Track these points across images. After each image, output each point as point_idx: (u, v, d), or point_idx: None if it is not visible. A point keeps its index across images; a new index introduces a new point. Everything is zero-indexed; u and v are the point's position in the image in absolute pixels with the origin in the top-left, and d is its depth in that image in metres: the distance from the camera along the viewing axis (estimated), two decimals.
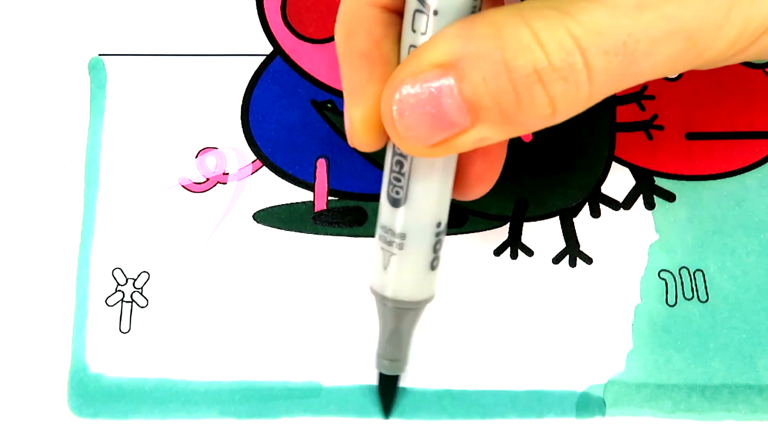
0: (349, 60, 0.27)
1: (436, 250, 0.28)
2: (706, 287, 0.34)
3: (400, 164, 0.27)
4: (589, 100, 0.24)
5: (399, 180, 0.27)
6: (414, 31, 0.25)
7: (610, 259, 0.34)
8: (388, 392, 0.32)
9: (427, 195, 0.27)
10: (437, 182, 0.27)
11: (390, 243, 0.28)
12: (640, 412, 0.32)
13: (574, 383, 0.33)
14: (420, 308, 0.30)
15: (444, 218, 0.28)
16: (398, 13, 0.26)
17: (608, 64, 0.23)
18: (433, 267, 0.29)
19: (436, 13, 0.24)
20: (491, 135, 0.24)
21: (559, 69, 0.23)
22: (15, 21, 0.36)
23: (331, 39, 0.36)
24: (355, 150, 0.35)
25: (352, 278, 0.34)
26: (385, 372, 0.32)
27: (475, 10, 0.25)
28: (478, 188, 0.29)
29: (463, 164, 0.28)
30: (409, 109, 0.24)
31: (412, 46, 0.25)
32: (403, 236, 0.28)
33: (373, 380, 0.33)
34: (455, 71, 0.23)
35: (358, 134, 0.27)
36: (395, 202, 0.27)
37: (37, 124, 0.35)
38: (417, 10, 0.25)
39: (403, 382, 0.33)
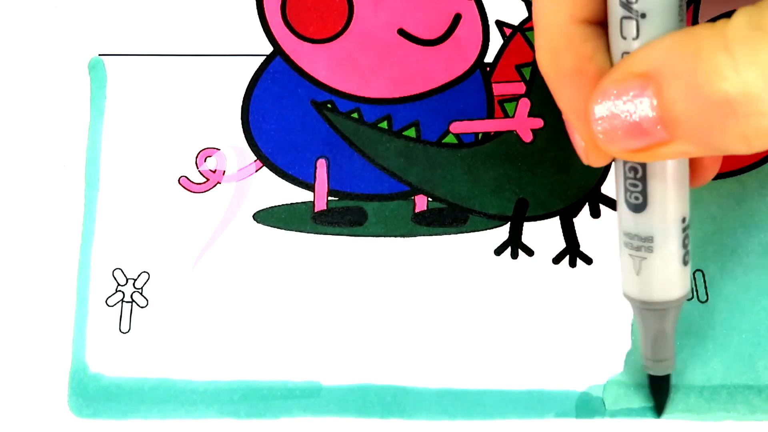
0: (562, 80, 0.27)
1: (685, 245, 0.28)
2: (705, 287, 0.34)
3: (635, 170, 0.27)
4: None
5: (636, 185, 0.27)
6: (624, 37, 0.25)
7: (610, 260, 0.34)
8: (661, 392, 0.32)
9: (667, 195, 0.27)
10: (674, 181, 0.27)
11: (638, 248, 0.28)
12: (639, 413, 0.32)
13: (573, 383, 0.33)
14: (680, 305, 0.30)
15: (687, 213, 0.28)
16: (602, 24, 0.26)
17: None
18: (685, 262, 0.29)
19: (644, 16, 0.24)
20: (692, 151, 0.24)
21: (756, 101, 0.21)
22: (15, 21, 0.36)
23: (331, 39, 0.36)
24: (354, 150, 0.35)
25: (352, 278, 0.34)
26: (656, 374, 0.31)
27: (682, 9, 0.25)
28: (709, 174, 0.29)
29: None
30: (607, 115, 0.24)
31: (624, 53, 0.25)
32: (650, 239, 0.28)
33: (374, 379, 0.33)
34: (654, 84, 0.23)
35: (596, 154, 0.27)
36: (635, 208, 0.28)
37: (37, 124, 0.35)
38: (624, 17, 0.25)
39: (404, 382, 0.33)
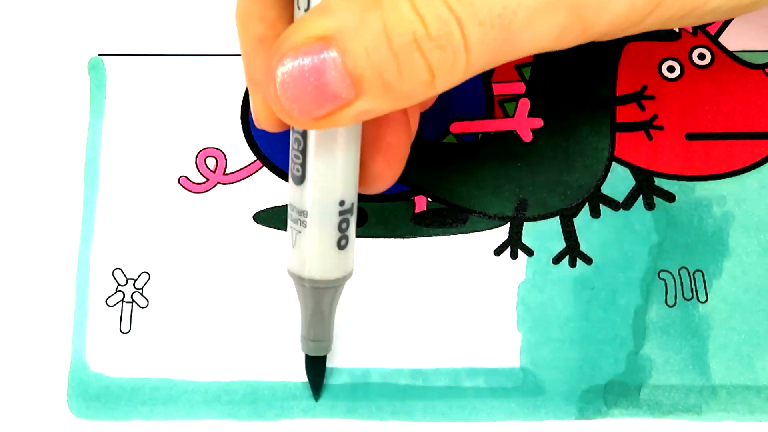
0: (246, 46, 0.28)
1: (342, 229, 0.28)
2: (705, 288, 0.34)
3: (298, 142, 0.27)
4: (467, 69, 0.24)
5: (298, 157, 0.27)
6: (299, 8, 0.25)
7: (609, 260, 0.34)
8: (316, 373, 0.32)
9: (325, 173, 0.27)
10: (335, 160, 0.27)
11: (296, 221, 0.28)
12: (639, 413, 0.32)
13: (573, 384, 0.33)
14: (333, 287, 0.29)
15: (349, 197, 0.28)
16: None
17: (484, 36, 0.23)
18: (340, 246, 0.28)
19: None
20: (375, 106, 0.24)
21: (436, 38, 0.23)
22: (15, 21, 0.36)
23: None
24: None
25: (352, 278, 0.34)
26: (310, 353, 0.32)
27: None
28: (380, 183, 0.30)
29: (365, 160, 0.29)
30: (292, 83, 0.24)
31: None
32: (305, 213, 0.28)
33: (374, 380, 0.33)
34: (337, 43, 0.23)
35: (264, 118, 0.28)
36: (297, 180, 0.28)
37: (37, 124, 0.35)
38: None
39: (405, 383, 0.33)
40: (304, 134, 0.27)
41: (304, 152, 0.27)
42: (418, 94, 0.24)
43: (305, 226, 0.28)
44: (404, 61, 0.23)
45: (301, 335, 0.32)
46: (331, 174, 0.27)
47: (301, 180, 0.27)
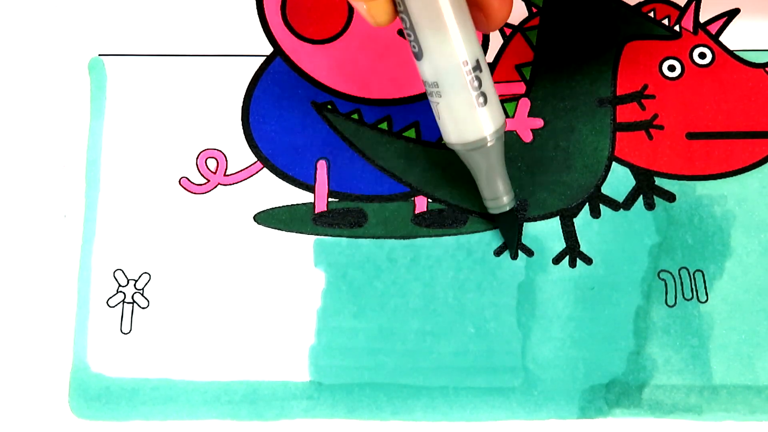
0: None
1: (476, 87, 0.29)
2: (705, 288, 0.34)
3: (404, 21, 0.28)
4: None
5: (410, 35, 0.28)
6: None
7: (610, 259, 0.34)
8: (509, 229, 0.33)
9: (439, 40, 0.28)
10: (444, 25, 0.28)
11: (431, 94, 0.29)
12: (639, 413, 0.32)
13: (575, 383, 0.33)
14: (491, 143, 0.30)
15: (472, 56, 0.29)
16: None
17: None
18: (481, 103, 0.29)
19: None
20: None
21: None
22: (15, 21, 0.36)
23: (331, 39, 0.36)
24: (355, 152, 0.35)
25: (353, 279, 0.34)
26: (495, 212, 0.33)
27: None
28: (499, 15, 0.30)
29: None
30: None
31: None
32: (435, 85, 0.29)
33: (374, 380, 0.33)
34: None
35: (372, 13, 0.28)
36: (417, 56, 0.29)
37: (37, 124, 0.35)
38: None
39: (406, 382, 0.33)
40: (406, 12, 0.28)
41: (413, 28, 0.28)
42: None
43: (441, 97, 0.29)
44: None
45: (483, 199, 0.33)
46: (443, 39, 0.28)
47: (420, 55, 0.28)
